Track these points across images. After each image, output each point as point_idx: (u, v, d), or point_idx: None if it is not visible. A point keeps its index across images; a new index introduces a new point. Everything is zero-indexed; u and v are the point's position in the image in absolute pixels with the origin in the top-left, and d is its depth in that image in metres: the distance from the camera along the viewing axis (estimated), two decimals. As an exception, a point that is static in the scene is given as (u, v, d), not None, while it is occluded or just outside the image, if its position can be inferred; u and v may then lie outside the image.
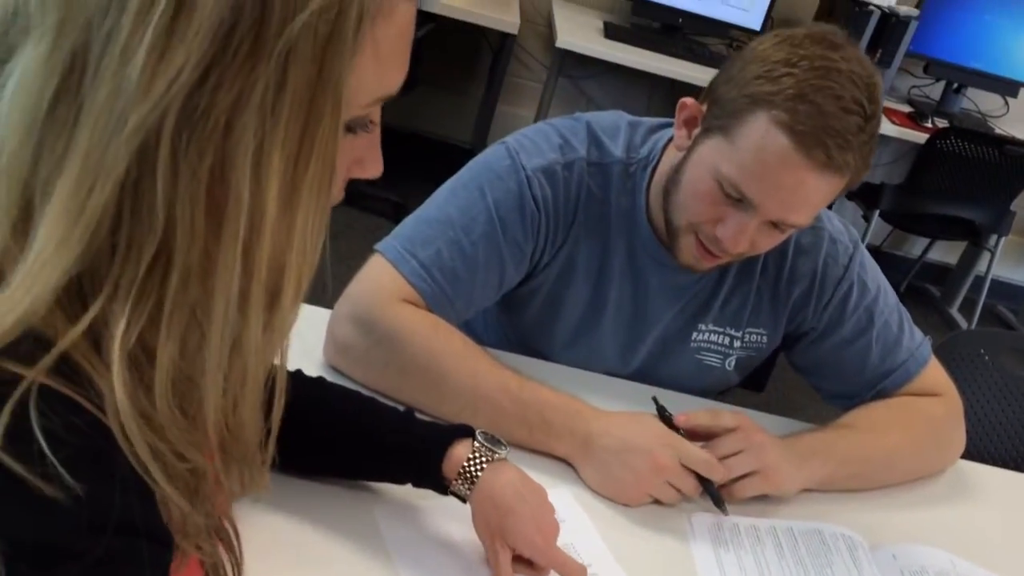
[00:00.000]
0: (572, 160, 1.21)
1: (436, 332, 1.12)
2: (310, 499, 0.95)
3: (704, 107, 1.14)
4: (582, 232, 1.24)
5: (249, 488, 0.63)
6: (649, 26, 3.52)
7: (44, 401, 0.47)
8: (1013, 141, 3.22)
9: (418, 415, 0.98)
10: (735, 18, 3.44)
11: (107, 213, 0.48)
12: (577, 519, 1.04)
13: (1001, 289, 4.03)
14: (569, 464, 1.11)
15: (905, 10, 3.29)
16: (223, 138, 0.49)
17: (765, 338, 1.33)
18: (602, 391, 1.23)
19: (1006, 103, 3.71)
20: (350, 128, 0.58)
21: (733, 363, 1.35)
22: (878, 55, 3.29)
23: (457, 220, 1.17)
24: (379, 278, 1.14)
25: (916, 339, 1.31)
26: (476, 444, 0.93)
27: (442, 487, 0.93)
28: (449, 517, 0.97)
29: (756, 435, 1.12)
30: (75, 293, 0.50)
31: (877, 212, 3.36)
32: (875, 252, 3.80)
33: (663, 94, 3.71)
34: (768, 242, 1.15)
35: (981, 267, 3.72)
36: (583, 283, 1.27)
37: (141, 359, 0.51)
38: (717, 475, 1.08)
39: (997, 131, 3.49)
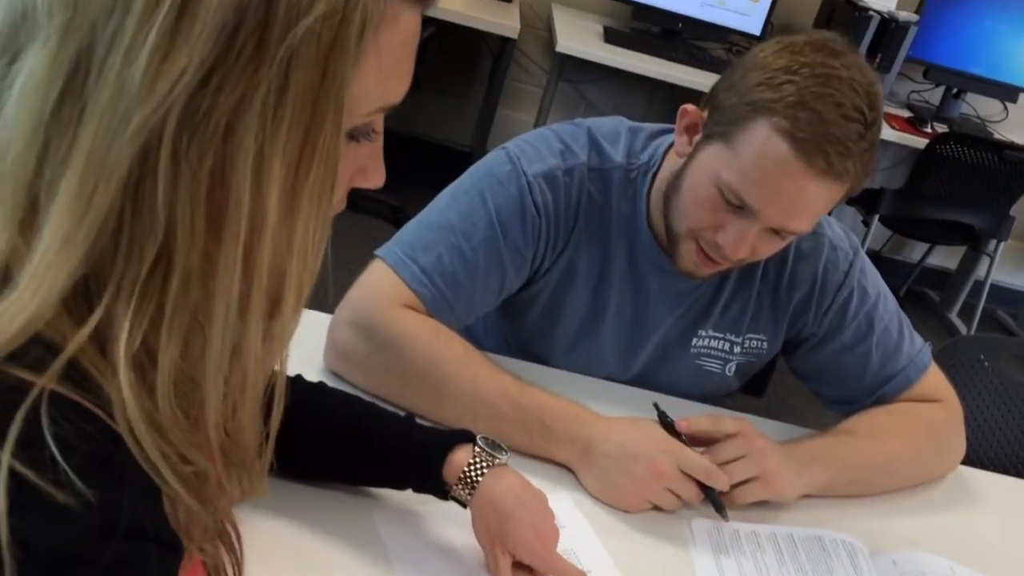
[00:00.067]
0: (573, 166, 1.21)
1: (437, 337, 1.12)
2: (310, 504, 0.95)
3: (705, 114, 1.14)
4: (583, 238, 1.24)
5: (248, 493, 0.64)
6: (649, 31, 3.52)
7: (55, 408, 0.48)
8: (1012, 146, 3.22)
9: (418, 420, 0.98)
10: (735, 23, 3.44)
11: (111, 213, 0.49)
12: (577, 525, 1.04)
13: (1000, 294, 4.03)
14: (569, 470, 1.11)
15: (905, 15, 3.30)
16: (224, 141, 0.49)
17: (765, 344, 1.33)
18: (602, 396, 1.23)
19: (1005, 108, 3.71)
20: (353, 136, 0.58)
21: (733, 369, 1.35)
22: (878, 60, 3.30)
23: (458, 225, 1.17)
24: (380, 283, 1.14)
25: (916, 345, 1.31)
26: (477, 449, 0.93)
27: (442, 492, 0.93)
28: (449, 522, 0.97)
29: (757, 441, 1.12)
30: (81, 296, 0.50)
31: (876, 217, 3.36)
32: (874, 257, 3.81)
33: (663, 99, 3.72)
34: (768, 249, 1.15)
35: (980, 272, 3.73)
36: (583, 288, 1.27)
37: (144, 362, 0.52)
38: (720, 483, 1.08)
39: (996, 136, 3.49)
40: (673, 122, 1.20)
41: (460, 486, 0.91)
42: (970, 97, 3.68)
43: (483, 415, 1.08)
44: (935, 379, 1.31)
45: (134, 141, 0.48)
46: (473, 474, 0.91)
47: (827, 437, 1.23)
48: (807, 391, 1.38)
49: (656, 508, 1.09)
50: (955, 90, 3.61)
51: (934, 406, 1.29)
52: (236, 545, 0.63)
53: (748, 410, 1.32)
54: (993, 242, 3.56)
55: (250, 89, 0.49)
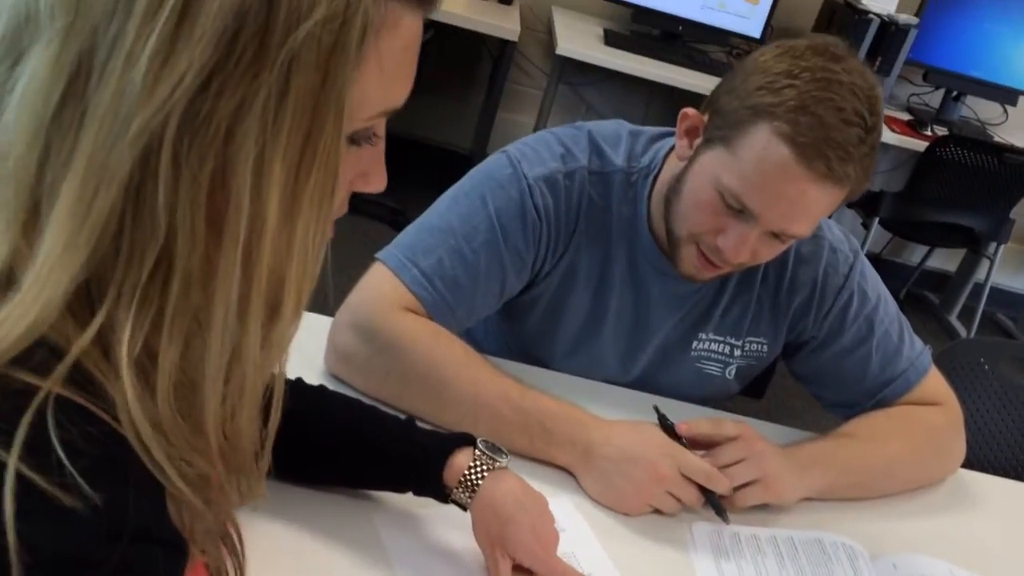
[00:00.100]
0: (573, 169, 1.21)
1: (437, 340, 1.12)
2: (311, 507, 0.95)
3: (705, 117, 1.14)
4: (583, 241, 1.24)
5: (247, 497, 0.64)
6: (649, 33, 3.52)
7: (61, 411, 0.48)
8: (1012, 149, 3.22)
9: (419, 423, 0.98)
10: (735, 26, 3.44)
11: (112, 217, 0.49)
12: (578, 528, 1.04)
13: (1000, 297, 4.03)
14: (570, 473, 1.11)
15: (904, 18, 3.30)
16: (224, 144, 0.49)
17: (765, 347, 1.33)
18: (603, 399, 1.23)
19: (1005, 111, 3.71)
20: (354, 140, 0.58)
21: (733, 372, 1.35)
22: (877, 63, 3.30)
23: (458, 229, 1.17)
24: (380, 286, 1.15)
25: (916, 348, 1.31)
26: (477, 452, 0.93)
27: (443, 495, 0.93)
28: (450, 525, 0.97)
29: (757, 444, 1.12)
30: (84, 299, 0.50)
31: (876, 220, 3.36)
32: (874, 260, 3.81)
33: (663, 101, 3.72)
34: (769, 252, 1.15)
35: (980, 275, 3.73)
36: (584, 291, 1.27)
37: (146, 364, 0.52)
38: (721, 487, 1.08)
39: (996, 139, 3.50)
40: (673, 125, 1.20)
41: (460, 489, 0.91)
42: (970, 100, 3.68)
43: (483, 418, 1.08)
44: (935, 382, 1.31)
45: (135, 144, 0.48)
46: (473, 477, 0.91)
47: (827, 440, 1.23)
48: (806, 393, 1.38)
49: (656, 511, 1.09)
50: (955, 93, 3.61)
51: (934, 409, 1.29)
52: (238, 547, 0.63)
53: (747, 412, 1.32)
54: (993, 245, 3.56)
55: (250, 93, 0.49)
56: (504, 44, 3.15)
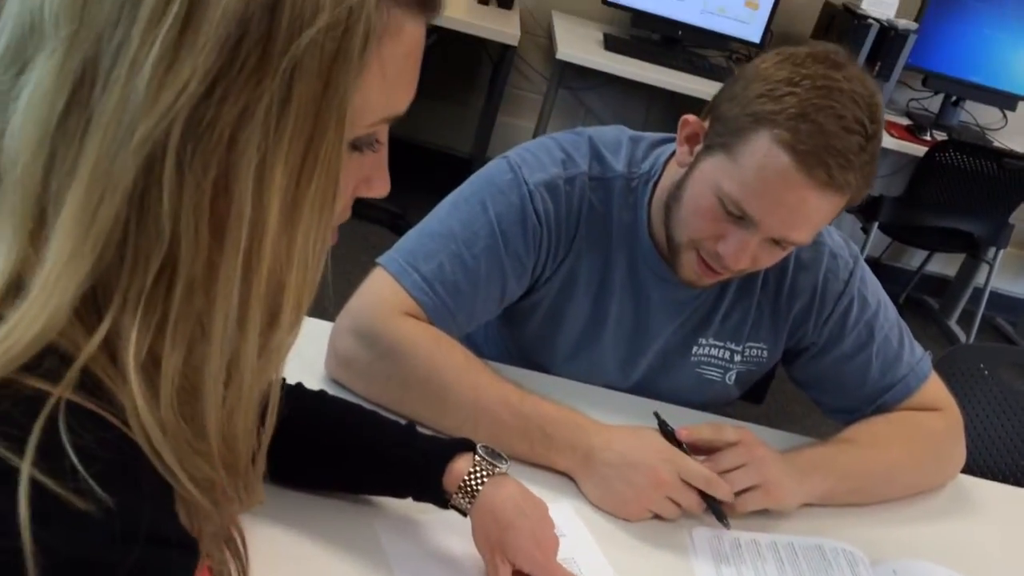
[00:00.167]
0: (574, 175, 1.21)
1: (438, 345, 1.12)
2: (311, 513, 0.95)
3: (706, 124, 1.14)
4: (584, 246, 1.24)
5: (245, 503, 0.64)
6: (649, 38, 3.53)
7: (72, 417, 0.48)
8: (1011, 154, 3.22)
9: (419, 429, 0.98)
10: (735, 31, 3.45)
11: (117, 224, 0.49)
12: (578, 534, 1.04)
13: (1000, 301, 4.04)
14: (570, 478, 1.11)
15: (904, 23, 3.31)
16: (227, 151, 0.50)
17: (765, 353, 1.33)
18: (603, 404, 1.23)
19: (1004, 116, 3.72)
20: (356, 147, 0.58)
21: (733, 377, 1.35)
22: (877, 68, 3.30)
23: (459, 234, 1.17)
24: (381, 291, 1.15)
25: (916, 354, 1.31)
26: (477, 458, 0.93)
27: (443, 501, 0.93)
28: (449, 531, 0.97)
29: (758, 449, 1.12)
30: (91, 306, 0.51)
31: (876, 224, 3.37)
32: (874, 264, 3.81)
33: (662, 106, 3.73)
34: (769, 259, 1.15)
35: (980, 279, 3.73)
36: (584, 297, 1.27)
37: (151, 369, 0.52)
38: (721, 492, 1.08)
39: (995, 144, 3.50)
40: (673, 129, 1.20)
41: (460, 495, 0.91)
42: (969, 105, 3.69)
43: (484, 423, 1.08)
44: (935, 388, 1.31)
45: (139, 152, 0.48)
46: (473, 483, 0.91)
47: (828, 446, 1.23)
48: (806, 398, 1.38)
49: (657, 517, 1.09)
50: (954, 98, 3.61)
51: (934, 415, 1.29)
52: (242, 550, 0.64)
53: (747, 417, 1.32)
54: (992, 250, 3.57)
55: (253, 100, 0.49)
56: (504, 49, 3.16)
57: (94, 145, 0.48)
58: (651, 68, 3.20)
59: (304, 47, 0.49)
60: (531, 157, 1.22)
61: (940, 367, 1.37)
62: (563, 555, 0.94)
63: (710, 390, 1.35)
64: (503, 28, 3.10)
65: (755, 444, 1.13)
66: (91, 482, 0.47)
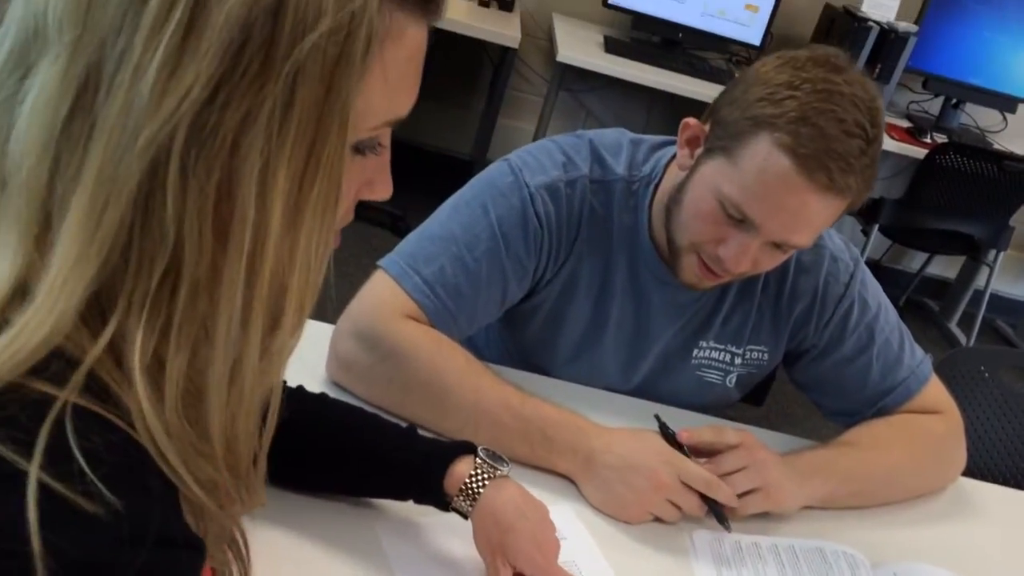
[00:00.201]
0: (575, 177, 1.22)
1: (439, 348, 1.12)
2: (312, 515, 0.95)
3: (707, 127, 1.15)
4: (584, 249, 1.24)
5: (247, 505, 0.64)
6: (649, 40, 3.53)
7: (79, 420, 0.48)
8: (1011, 156, 3.23)
9: (420, 431, 0.98)
10: (735, 33, 3.45)
11: (121, 228, 0.49)
12: (579, 536, 1.04)
13: (1000, 304, 4.04)
14: (571, 481, 1.11)
15: (904, 26, 3.31)
16: (230, 155, 0.50)
17: (766, 355, 1.33)
18: (603, 407, 1.23)
19: (1004, 119, 3.72)
20: (359, 150, 0.58)
21: (734, 380, 1.35)
22: (877, 70, 3.31)
23: (460, 237, 1.17)
24: (382, 294, 1.15)
25: (917, 357, 1.31)
26: (478, 461, 0.93)
27: (443, 504, 0.93)
28: (450, 534, 0.97)
29: (759, 452, 1.12)
30: (96, 309, 0.51)
31: (876, 227, 3.37)
32: (874, 267, 3.81)
33: (663, 108, 3.73)
34: (770, 262, 1.15)
35: (980, 282, 3.73)
36: (585, 299, 1.27)
37: (156, 372, 0.52)
38: (722, 495, 1.08)
39: (995, 146, 3.50)
40: (673, 132, 1.20)
41: (461, 497, 0.91)
42: (969, 107, 3.69)
43: (485, 426, 1.09)
44: (936, 391, 1.31)
45: (143, 156, 0.48)
46: (474, 486, 0.91)
47: (828, 449, 1.23)
48: (806, 401, 1.38)
49: (658, 519, 1.09)
50: (954, 100, 3.62)
51: (935, 418, 1.29)
52: (244, 552, 0.64)
53: (747, 420, 1.32)
54: (993, 252, 3.57)
55: (256, 105, 0.49)
56: (505, 51, 3.16)
57: (98, 150, 0.48)
58: (651, 70, 3.20)
59: (307, 52, 0.49)
60: (532, 160, 1.22)
61: (941, 370, 1.37)
62: (564, 558, 0.94)
63: (711, 393, 1.35)
64: (504, 30, 3.10)
65: (756, 447, 1.13)
66: (99, 485, 0.47)
